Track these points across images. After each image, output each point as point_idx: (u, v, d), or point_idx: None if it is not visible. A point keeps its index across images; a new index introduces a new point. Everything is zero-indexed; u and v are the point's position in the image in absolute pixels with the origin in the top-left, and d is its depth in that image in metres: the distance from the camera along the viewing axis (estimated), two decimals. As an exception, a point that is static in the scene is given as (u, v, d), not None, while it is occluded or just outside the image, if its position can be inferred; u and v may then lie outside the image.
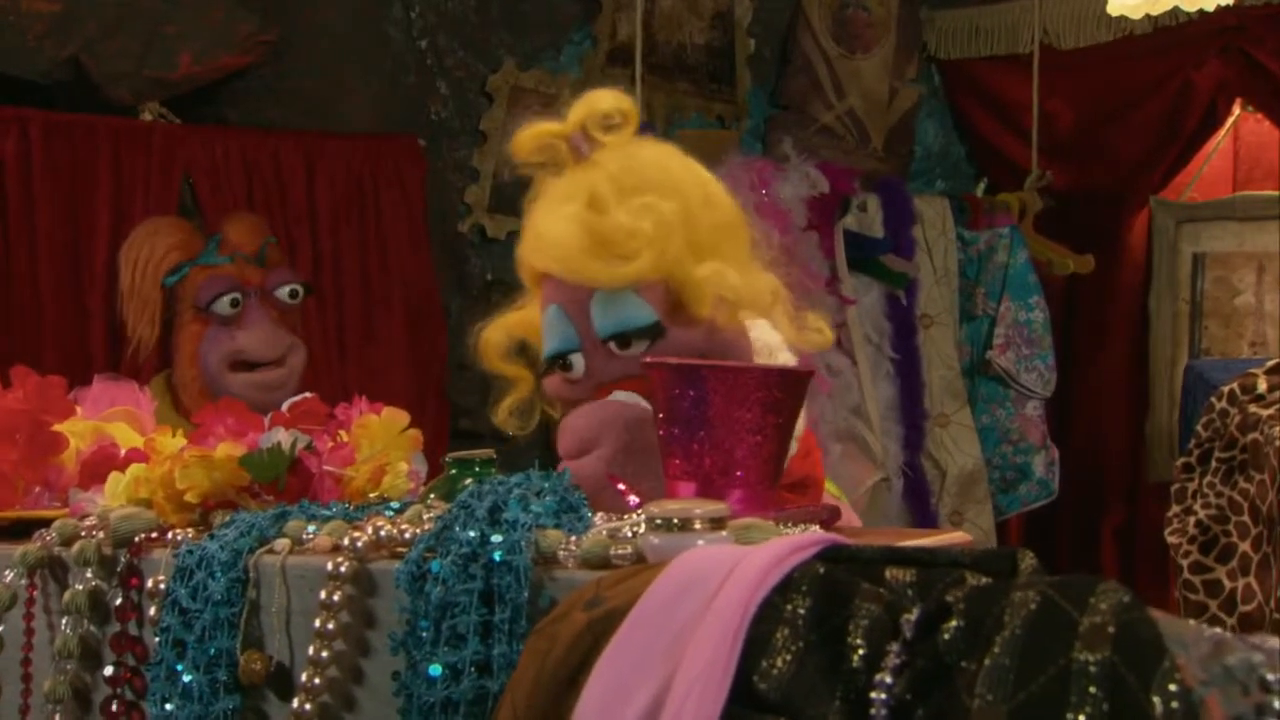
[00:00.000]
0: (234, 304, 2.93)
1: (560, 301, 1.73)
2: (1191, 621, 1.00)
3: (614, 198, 1.70)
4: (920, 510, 4.14)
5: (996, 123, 4.95)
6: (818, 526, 1.58)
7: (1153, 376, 4.79)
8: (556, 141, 1.78)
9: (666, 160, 1.77)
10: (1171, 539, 3.06)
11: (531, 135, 1.78)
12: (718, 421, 1.55)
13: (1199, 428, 2.94)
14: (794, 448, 1.82)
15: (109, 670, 1.62)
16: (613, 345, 1.71)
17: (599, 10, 4.12)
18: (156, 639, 1.57)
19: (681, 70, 4.25)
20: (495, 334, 1.83)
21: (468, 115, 3.95)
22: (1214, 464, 2.97)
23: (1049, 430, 4.54)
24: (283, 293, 3.02)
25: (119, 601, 1.62)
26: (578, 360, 1.73)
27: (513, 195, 3.80)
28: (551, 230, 1.72)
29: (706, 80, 4.33)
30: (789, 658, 1.12)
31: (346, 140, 3.63)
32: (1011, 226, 4.47)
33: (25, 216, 3.14)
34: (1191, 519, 2.99)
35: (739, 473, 1.57)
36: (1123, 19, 4.47)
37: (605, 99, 1.77)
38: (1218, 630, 1.00)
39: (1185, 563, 2.98)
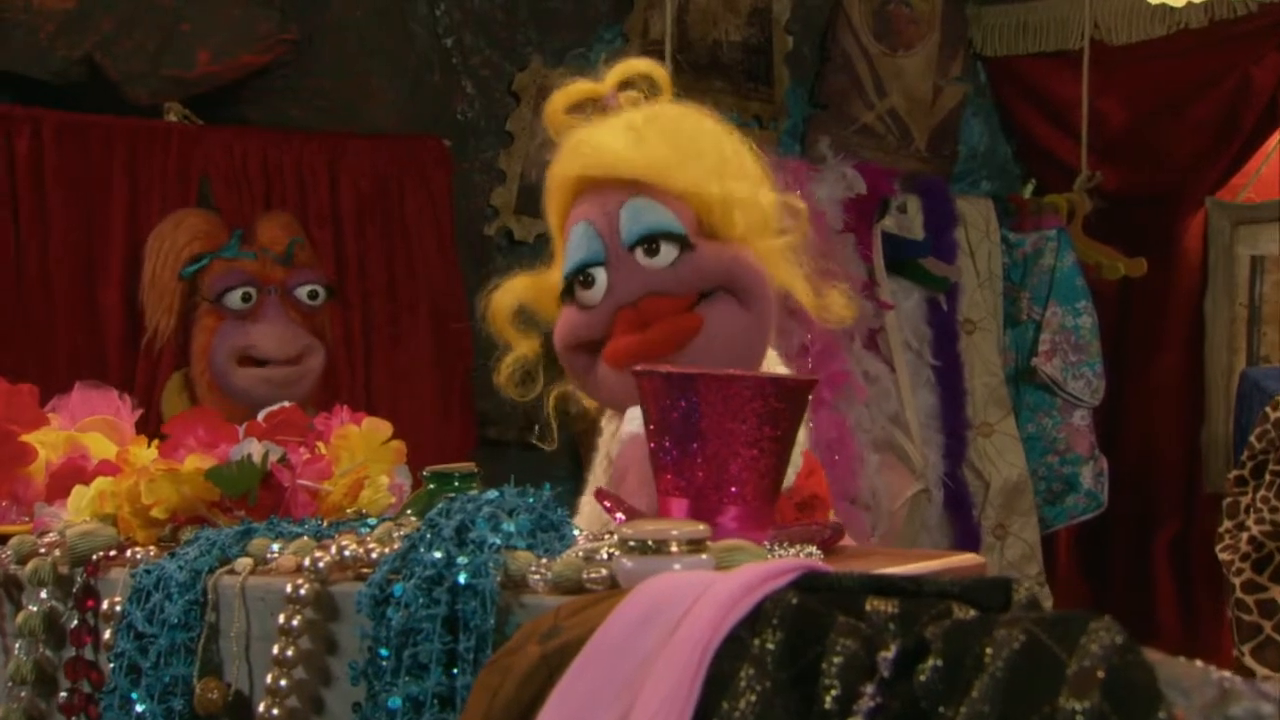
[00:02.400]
0: (245, 299, 2.90)
1: (589, 217, 1.71)
2: (1198, 663, 0.89)
3: (649, 124, 1.73)
4: (962, 523, 4.04)
5: (1045, 121, 4.86)
6: (815, 548, 1.48)
7: (1208, 384, 4.67)
8: (584, 112, 1.78)
9: (698, 114, 1.79)
10: (1223, 555, 2.98)
11: (566, 94, 1.79)
12: (711, 434, 1.47)
13: (1252, 439, 2.87)
14: (800, 463, 1.75)
15: (63, 697, 1.54)
16: (640, 253, 1.68)
17: (630, 7, 4.05)
18: (110, 665, 1.48)
19: (717, 68, 4.17)
20: (505, 297, 1.83)
21: (494, 115, 3.90)
22: (1268, 477, 2.91)
23: (1098, 440, 4.43)
24: (302, 292, 2.99)
25: (74, 624, 1.55)
26: (600, 275, 1.70)
27: (540, 197, 3.76)
28: (593, 135, 1.73)
29: (743, 79, 4.24)
30: (753, 699, 1.04)
31: (370, 141, 3.58)
32: (1059, 229, 4.38)
33: (38, 218, 3.11)
34: (1244, 535, 2.92)
35: (733, 488, 1.48)
36: (1177, 13, 4.36)
37: (641, 64, 1.81)
38: (1226, 675, 0.91)
39: (1238, 581, 2.91)
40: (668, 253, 1.69)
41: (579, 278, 1.71)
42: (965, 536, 4.02)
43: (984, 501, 4.18)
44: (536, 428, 3.84)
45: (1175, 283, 4.72)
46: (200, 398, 2.92)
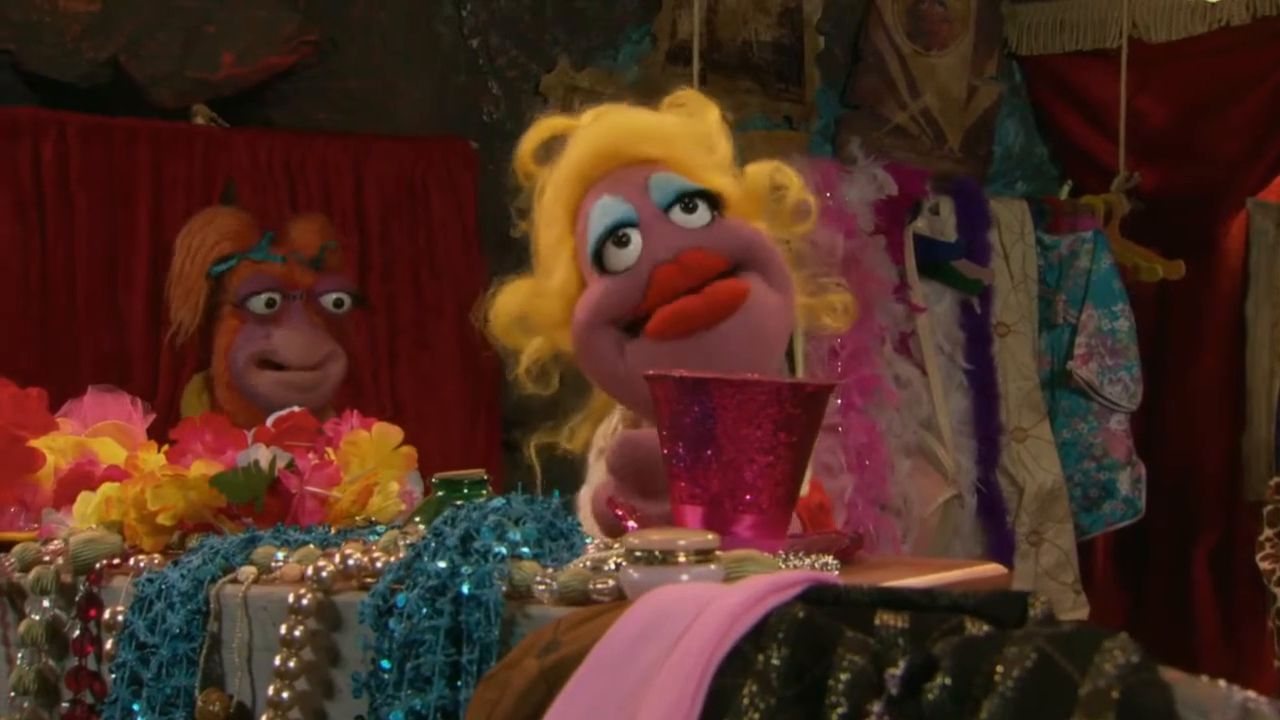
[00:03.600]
0: (269, 304, 2.88)
1: (611, 192, 1.66)
2: (1222, 683, 0.84)
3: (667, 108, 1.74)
4: (995, 530, 3.98)
5: (1082, 121, 4.80)
6: (832, 557, 1.44)
7: (1249, 389, 4.59)
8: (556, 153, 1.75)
9: (708, 104, 1.78)
10: (1264, 564, 2.94)
11: (538, 132, 1.76)
12: (725, 440, 1.43)
13: (1293, 444, 2.81)
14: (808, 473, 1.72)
15: (65, 707, 1.52)
16: (677, 210, 1.65)
17: (658, 7, 4.01)
18: (112, 675, 1.46)
19: (746, 69, 4.12)
20: (507, 302, 1.77)
21: (521, 117, 3.85)
22: (1311, 484, 2.85)
23: (1135, 446, 4.36)
24: (328, 300, 2.96)
25: (77, 633, 1.52)
26: (634, 236, 1.64)
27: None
28: (609, 116, 1.71)
29: (773, 79, 4.20)
30: (757, 716, 1.01)
31: (396, 142, 3.56)
32: (1095, 230, 4.32)
33: (63, 221, 3.10)
34: (1286, 543, 2.88)
35: (749, 496, 1.45)
36: (1218, 10, 4.30)
37: (620, 108, 1.75)
38: (1250, 695, 0.87)
39: (1279, 590, 2.87)
40: (704, 212, 1.65)
41: (612, 238, 1.65)
42: (999, 543, 3.96)
43: (1018, 508, 4.11)
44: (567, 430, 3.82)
45: (1215, 285, 4.64)
46: (218, 398, 2.90)
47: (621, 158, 1.68)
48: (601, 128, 1.70)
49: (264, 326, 2.88)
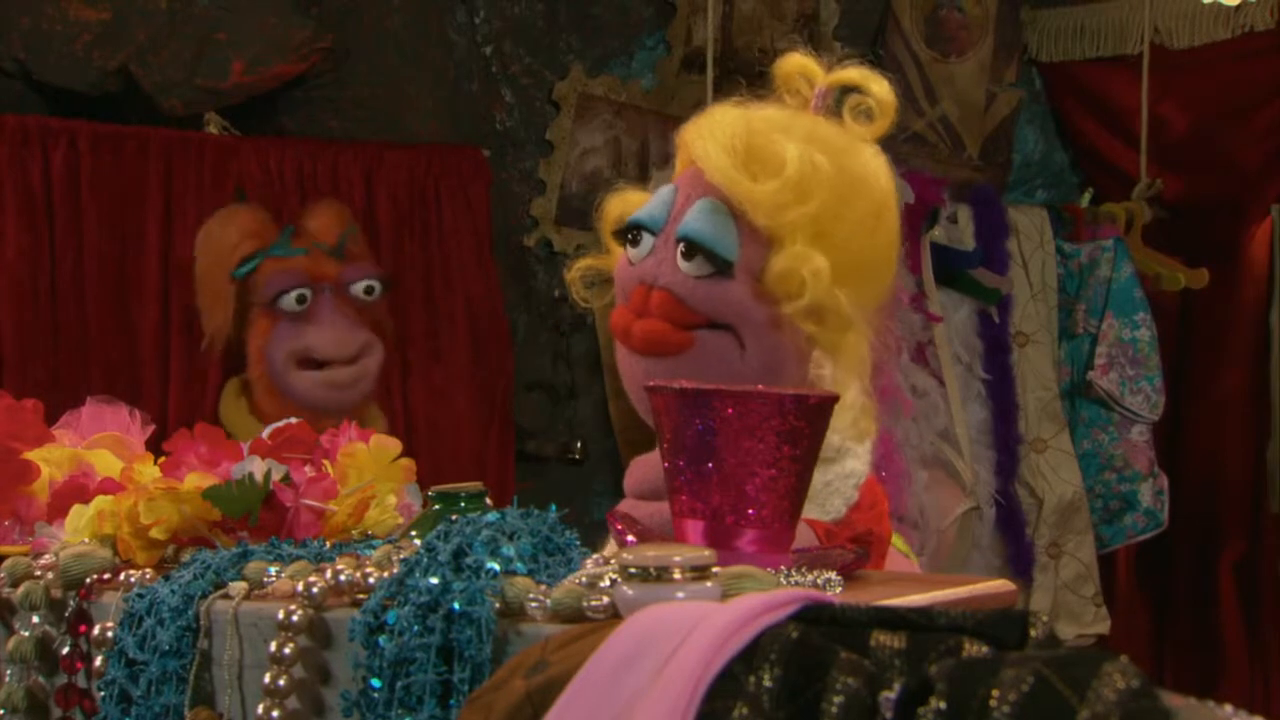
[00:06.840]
0: (300, 300, 2.86)
1: (680, 185, 1.67)
2: (1228, 707, 0.82)
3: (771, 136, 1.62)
4: (1014, 542, 3.94)
5: (1103, 128, 4.73)
6: (834, 574, 1.40)
7: (1274, 399, 4.53)
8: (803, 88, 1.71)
9: (854, 159, 1.64)
10: (1288, 577, 2.88)
11: (793, 62, 1.74)
12: (726, 453, 1.41)
13: (1317, 456, 2.77)
14: (855, 496, 1.71)
15: (55, 726, 1.50)
16: (680, 249, 1.63)
17: (673, 14, 3.98)
18: (101, 693, 1.44)
19: (762, 76, 4.08)
20: (618, 204, 1.78)
21: (534, 124, 3.85)
22: (1333, 495, 2.80)
23: (1157, 457, 4.31)
24: (358, 288, 2.94)
25: (66, 650, 1.50)
26: (647, 242, 1.67)
27: (581, 208, 3.72)
28: (724, 116, 1.66)
29: (788, 86, 4.16)
30: None
31: (408, 151, 3.56)
32: (1116, 238, 4.27)
33: (73, 230, 3.12)
34: (1309, 555, 2.83)
35: (751, 510, 1.42)
36: (1242, 15, 4.25)
37: (882, 86, 1.65)
38: None
39: None
40: (700, 266, 1.63)
41: (630, 234, 1.68)
42: (1018, 556, 3.92)
43: (1037, 520, 4.06)
44: (578, 443, 3.81)
45: (1239, 294, 4.58)
46: (258, 401, 2.89)
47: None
48: (707, 122, 1.65)
49: (296, 324, 2.86)
